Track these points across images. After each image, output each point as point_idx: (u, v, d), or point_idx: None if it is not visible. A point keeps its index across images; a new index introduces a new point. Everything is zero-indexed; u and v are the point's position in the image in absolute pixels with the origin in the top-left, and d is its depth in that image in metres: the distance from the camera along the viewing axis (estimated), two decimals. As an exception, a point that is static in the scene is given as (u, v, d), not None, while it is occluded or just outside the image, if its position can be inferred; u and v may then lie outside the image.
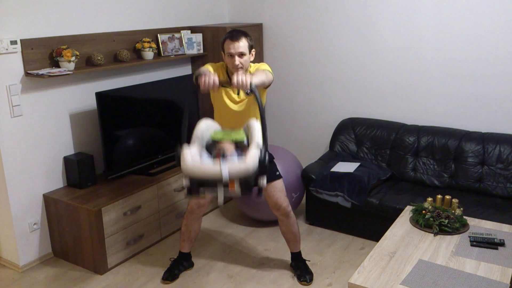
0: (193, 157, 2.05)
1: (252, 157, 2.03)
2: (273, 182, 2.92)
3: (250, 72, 2.77)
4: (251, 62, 2.79)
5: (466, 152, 3.56)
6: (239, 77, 2.30)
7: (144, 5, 3.92)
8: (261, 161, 2.08)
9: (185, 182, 2.09)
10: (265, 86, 2.71)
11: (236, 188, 2.01)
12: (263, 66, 2.82)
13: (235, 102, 2.80)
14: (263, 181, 2.19)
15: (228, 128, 2.66)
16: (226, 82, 2.34)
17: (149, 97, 3.73)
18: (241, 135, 2.45)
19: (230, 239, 3.68)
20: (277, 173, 2.99)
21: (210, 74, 2.37)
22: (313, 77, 4.42)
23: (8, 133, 3.06)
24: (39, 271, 3.27)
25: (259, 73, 2.58)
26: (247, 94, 2.74)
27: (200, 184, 2.04)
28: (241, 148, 2.35)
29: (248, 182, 2.03)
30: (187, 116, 2.39)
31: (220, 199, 2.01)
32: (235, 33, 2.70)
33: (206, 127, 2.47)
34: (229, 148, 2.29)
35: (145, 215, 3.47)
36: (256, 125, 2.37)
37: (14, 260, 3.29)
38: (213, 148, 2.32)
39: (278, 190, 2.94)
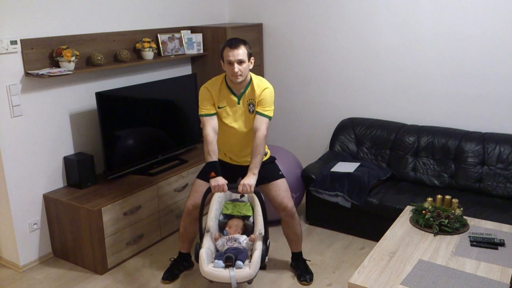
0: (207, 257, 2.57)
1: (256, 262, 2.52)
2: (276, 181, 2.93)
3: (253, 89, 2.80)
4: (250, 70, 2.80)
5: (466, 152, 3.56)
6: (245, 186, 2.68)
7: (144, 5, 3.92)
8: (263, 255, 2.61)
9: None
10: None
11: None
12: (268, 98, 2.79)
13: (233, 115, 2.85)
14: (266, 258, 2.68)
15: (230, 146, 2.93)
16: (233, 188, 2.73)
17: (149, 97, 3.73)
18: (248, 211, 2.91)
19: (230, 239, 3.68)
20: (280, 173, 2.99)
21: (219, 179, 2.69)
22: (313, 77, 4.42)
23: (8, 133, 3.06)
24: (39, 271, 3.28)
25: (259, 155, 2.74)
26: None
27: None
28: (247, 226, 2.87)
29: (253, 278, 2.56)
30: (202, 219, 2.79)
31: (234, 285, 2.49)
32: (234, 41, 2.71)
33: (218, 203, 2.93)
34: (237, 227, 2.82)
35: (145, 215, 3.47)
36: (260, 210, 2.77)
37: (14, 260, 3.29)
38: (225, 226, 2.85)
39: (283, 190, 2.94)
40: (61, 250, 3.39)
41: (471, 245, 2.51)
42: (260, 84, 2.82)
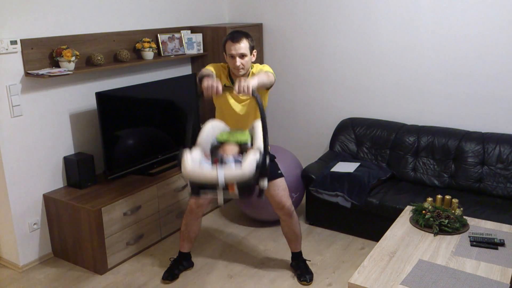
0: (193, 161, 2.15)
1: (249, 163, 2.12)
2: (275, 180, 2.93)
3: (252, 73, 2.79)
4: (252, 62, 2.80)
5: (466, 152, 3.56)
6: (241, 84, 2.36)
7: (144, 5, 3.92)
8: (259, 166, 2.16)
9: (187, 184, 2.22)
10: (266, 88, 2.76)
11: (235, 191, 2.12)
12: (266, 68, 2.83)
13: (240, 102, 2.81)
14: (264, 182, 2.27)
15: (232, 128, 2.74)
16: (229, 87, 2.43)
17: (149, 97, 3.73)
18: (245, 137, 2.53)
19: (230, 239, 3.68)
20: (279, 171, 2.99)
21: (213, 80, 2.41)
22: (313, 77, 4.42)
23: (8, 133, 3.07)
24: (39, 271, 3.28)
25: (260, 74, 2.63)
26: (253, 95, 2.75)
27: (200, 187, 2.16)
28: (245, 150, 2.43)
29: (246, 186, 2.13)
30: (191, 120, 2.45)
31: (220, 200, 2.13)
32: (236, 34, 2.71)
33: (212, 129, 2.54)
34: (231, 150, 2.39)
35: (145, 215, 3.47)
36: (259, 128, 2.42)
37: (14, 260, 3.29)
38: (217, 150, 2.42)
39: (281, 189, 2.94)
40: (61, 250, 3.39)
41: (471, 245, 2.51)
42: (258, 66, 2.85)
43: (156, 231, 3.59)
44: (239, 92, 2.37)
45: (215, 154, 2.39)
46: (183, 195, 3.77)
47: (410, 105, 3.99)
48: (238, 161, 2.27)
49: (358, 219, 3.59)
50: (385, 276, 2.25)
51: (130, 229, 3.36)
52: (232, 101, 2.81)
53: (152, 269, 3.28)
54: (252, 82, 2.40)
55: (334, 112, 4.37)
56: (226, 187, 2.10)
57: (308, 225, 3.86)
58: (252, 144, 2.51)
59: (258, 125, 2.44)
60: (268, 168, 2.28)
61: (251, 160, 2.15)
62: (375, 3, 3.94)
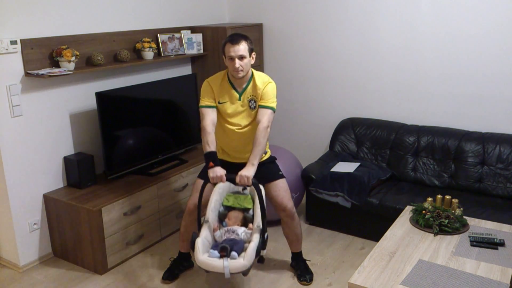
0: (203, 246, 2.54)
1: (250, 254, 2.46)
2: (276, 181, 2.93)
3: (255, 84, 2.82)
4: (253, 66, 2.82)
5: (466, 152, 3.57)
6: (242, 175, 2.64)
7: (144, 5, 3.92)
8: (259, 249, 2.51)
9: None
10: None
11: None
12: (270, 92, 2.81)
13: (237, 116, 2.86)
14: (263, 252, 2.59)
15: (231, 144, 2.91)
16: (231, 179, 2.71)
17: (149, 97, 3.73)
18: (249, 203, 2.85)
19: (230, 239, 3.68)
20: (280, 173, 2.99)
21: (217, 170, 2.67)
22: (313, 77, 4.42)
23: (8, 133, 3.07)
24: (39, 271, 3.28)
25: (257, 150, 2.73)
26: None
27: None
28: (247, 219, 2.81)
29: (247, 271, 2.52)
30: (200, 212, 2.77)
31: (227, 275, 2.46)
32: (235, 36, 2.73)
33: (219, 196, 2.84)
34: (236, 219, 2.77)
35: (145, 215, 3.47)
36: (259, 198, 2.66)
37: (14, 260, 3.29)
38: (224, 218, 2.81)
39: (283, 190, 2.95)
40: (61, 250, 3.39)
41: (471, 245, 2.51)
42: (263, 79, 2.85)
43: (156, 231, 3.59)
44: (240, 184, 2.67)
45: (222, 222, 2.80)
46: (183, 195, 3.77)
47: (410, 105, 3.99)
48: (241, 242, 2.59)
49: (358, 219, 3.59)
50: (385, 276, 2.25)
51: (130, 229, 3.36)
52: (229, 116, 2.85)
53: (152, 269, 3.28)
54: (252, 172, 2.66)
55: (334, 112, 4.37)
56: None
57: (308, 225, 3.86)
58: (253, 212, 2.80)
59: (260, 193, 2.66)
60: (266, 241, 2.61)
61: (252, 249, 2.47)
62: (375, 4, 3.94)
